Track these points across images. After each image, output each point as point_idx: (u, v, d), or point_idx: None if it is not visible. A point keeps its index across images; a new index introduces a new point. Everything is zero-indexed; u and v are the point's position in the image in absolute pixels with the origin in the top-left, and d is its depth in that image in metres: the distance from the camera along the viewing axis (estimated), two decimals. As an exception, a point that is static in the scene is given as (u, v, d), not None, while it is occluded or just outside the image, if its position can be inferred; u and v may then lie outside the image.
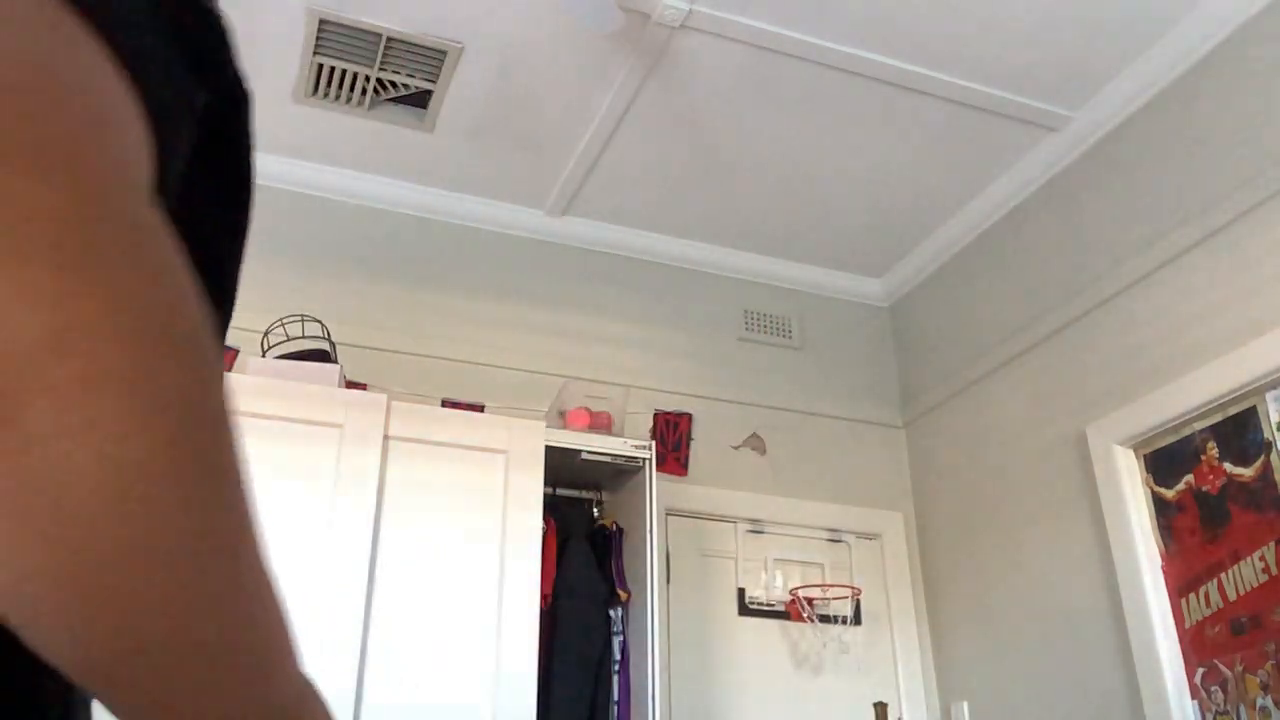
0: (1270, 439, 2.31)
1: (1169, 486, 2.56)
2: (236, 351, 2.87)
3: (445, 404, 2.98)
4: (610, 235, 3.53)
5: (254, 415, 2.28)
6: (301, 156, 3.19)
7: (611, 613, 2.72)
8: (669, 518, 3.12)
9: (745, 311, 3.64)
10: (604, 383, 3.15)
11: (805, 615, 3.16)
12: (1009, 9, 2.62)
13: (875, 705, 2.83)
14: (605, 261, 3.52)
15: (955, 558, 3.27)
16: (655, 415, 3.31)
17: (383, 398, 2.54)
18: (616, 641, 2.70)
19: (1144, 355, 2.69)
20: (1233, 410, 2.42)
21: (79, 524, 0.29)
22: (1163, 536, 2.56)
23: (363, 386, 2.78)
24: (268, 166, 3.16)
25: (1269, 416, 2.33)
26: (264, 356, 2.62)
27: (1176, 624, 2.47)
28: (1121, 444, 2.69)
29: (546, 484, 2.62)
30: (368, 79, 2.86)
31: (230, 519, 0.33)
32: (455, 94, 2.92)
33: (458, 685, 2.32)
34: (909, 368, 3.71)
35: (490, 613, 2.39)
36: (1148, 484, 2.63)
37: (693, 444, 3.33)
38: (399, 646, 2.29)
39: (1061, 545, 2.85)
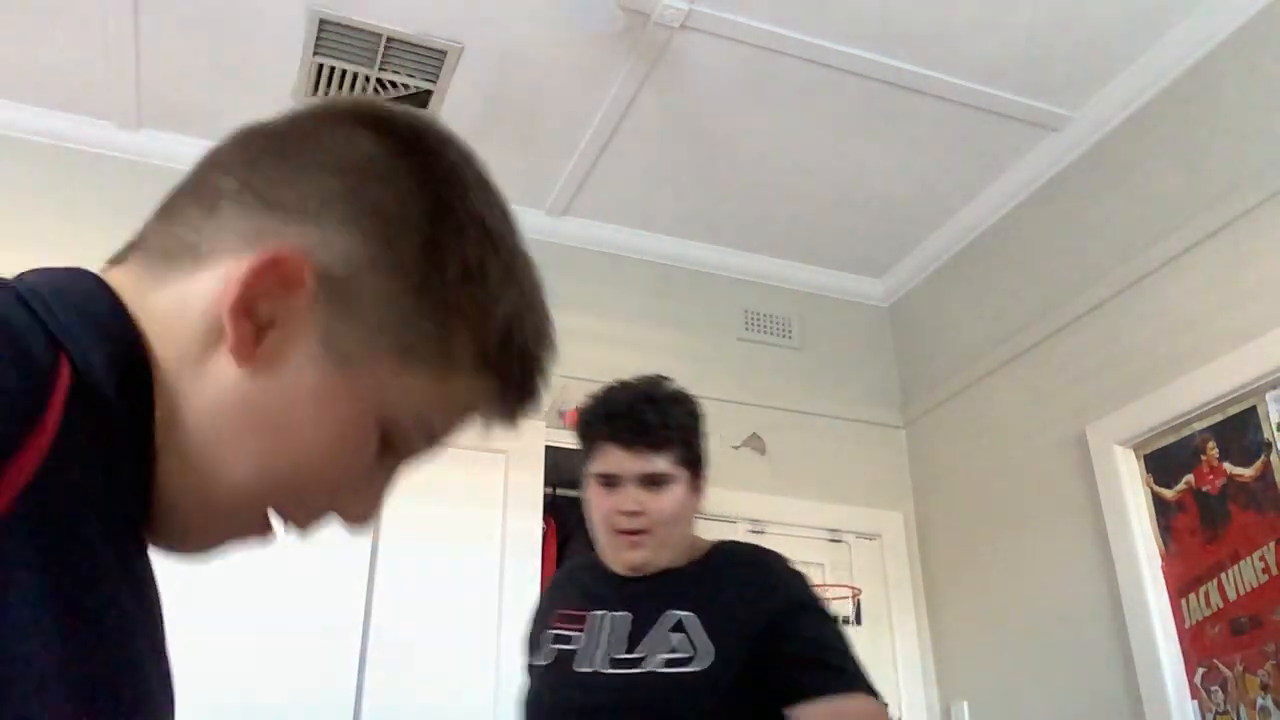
0: (1270, 439, 2.31)
1: (1169, 486, 2.56)
2: (236, 351, 2.87)
3: (445, 404, 2.97)
4: (610, 235, 3.52)
5: (254, 415, 2.28)
6: (301, 156, 3.18)
7: (611, 613, 2.71)
8: (669, 518, 3.11)
9: (745, 311, 3.64)
10: (604, 383, 3.14)
11: (805, 615, 3.16)
12: (1009, 9, 2.62)
13: (875, 705, 2.83)
14: (605, 261, 3.52)
15: (955, 558, 3.27)
16: (655, 415, 3.30)
17: (383, 398, 2.53)
18: (616, 641, 2.69)
19: (1144, 355, 2.68)
20: (1233, 410, 2.41)
21: None
22: (1163, 536, 2.56)
23: (363, 386, 2.78)
24: (268, 166, 3.15)
25: (1269, 416, 2.33)
26: (264, 357, 2.62)
27: (1176, 624, 2.47)
28: (1121, 444, 2.69)
29: (546, 484, 2.62)
30: (368, 79, 2.86)
31: None
32: (455, 94, 2.92)
33: (458, 685, 2.32)
34: (909, 368, 3.71)
35: (490, 613, 2.39)
36: (1148, 484, 2.63)
37: (693, 444, 3.32)
38: (399, 647, 2.29)
39: (1061, 545, 2.85)
